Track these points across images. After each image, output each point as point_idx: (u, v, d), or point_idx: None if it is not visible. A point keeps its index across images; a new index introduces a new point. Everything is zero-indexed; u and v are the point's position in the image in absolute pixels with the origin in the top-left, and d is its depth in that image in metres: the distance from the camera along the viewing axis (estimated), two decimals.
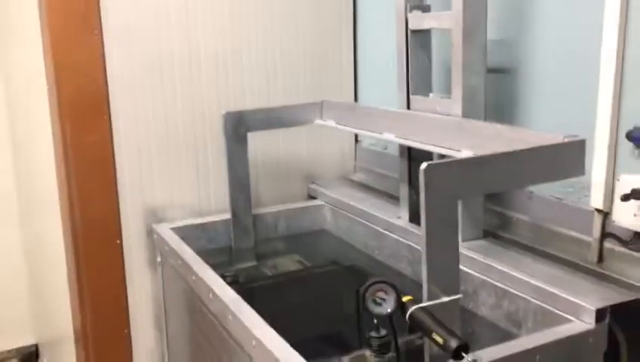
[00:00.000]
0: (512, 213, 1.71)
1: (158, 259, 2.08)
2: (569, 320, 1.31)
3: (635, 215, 1.35)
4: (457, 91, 1.62)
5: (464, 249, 1.63)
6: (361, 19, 2.40)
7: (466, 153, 1.49)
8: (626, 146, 1.42)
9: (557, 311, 1.35)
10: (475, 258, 1.58)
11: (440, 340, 1.03)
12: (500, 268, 1.52)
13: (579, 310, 1.30)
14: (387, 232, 1.97)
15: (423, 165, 1.09)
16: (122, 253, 2.08)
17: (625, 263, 1.44)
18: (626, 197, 1.32)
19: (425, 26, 1.75)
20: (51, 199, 2.16)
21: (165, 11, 2.02)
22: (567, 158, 1.26)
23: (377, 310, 1.16)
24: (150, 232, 2.10)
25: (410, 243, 1.85)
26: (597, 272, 1.47)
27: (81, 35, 1.86)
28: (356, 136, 2.52)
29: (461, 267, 1.22)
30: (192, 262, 1.74)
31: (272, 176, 2.32)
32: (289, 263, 2.17)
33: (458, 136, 1.55)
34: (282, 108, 2.11)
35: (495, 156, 1.18)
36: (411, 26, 1.77)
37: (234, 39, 2.16)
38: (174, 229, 2.05)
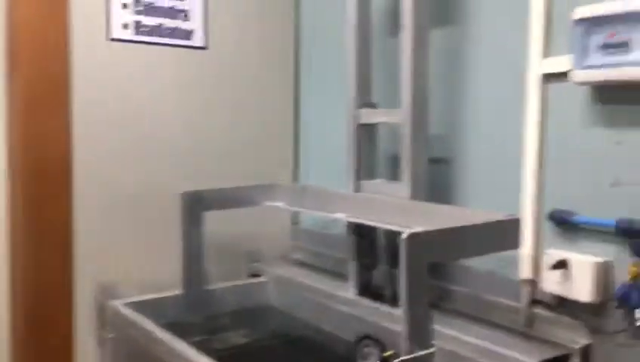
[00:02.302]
0: (451, 285, 1.93)
1: (110, 335, 2.09)
2: None
3: (559, 282, 1.62)
4: (406, 176, 1.86)
5: None
6: (304, 111, 2.65)
7: (401, 229, 1.72)
8: (548, 225, 1.70)
9: None
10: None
11: None
12: (448, 332, 1.71)
13: None
14: (335, 305, 2.12)
15: (404, 234, 1.29)
16: (72, 328, 2.07)
17: (552, 325, 1.69)
18: (554, 267, 1.59)
19: (374, 120, 2.01)
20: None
21: (127, 95, 2.15)
22: (507, 233, 1.52)
23: None
24: (101, 308, 2.12)
25: (358, 315, 2.01)
26: (528, 334, 1.71)
27: (51, 109, 1.95)
28: (294, 216, 2.70)
29: None
30: (161, 334, 1.80)
31: (214, 255, 2.42)
32: (239, 338, 2.24)
33: (408, 215, 1.78)
34: (236, 190, 2.26)
35: (462, 228, 1.41)
36: (361, 120, 2.03)
37: (186, 122, 2.32)
38: (128, 305, 2.09)
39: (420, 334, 1.30)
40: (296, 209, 2.20)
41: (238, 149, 2.46)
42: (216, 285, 2.34)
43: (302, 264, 2.57)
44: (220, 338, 2.20)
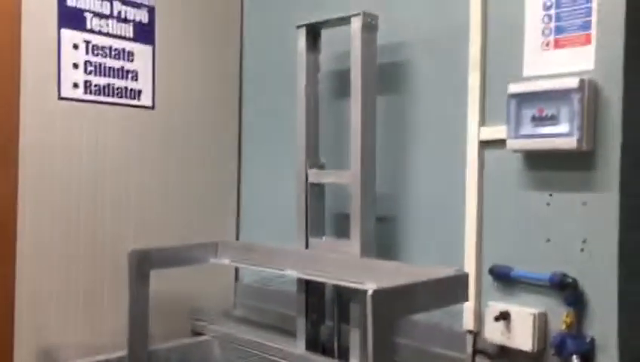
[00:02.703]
0: (399, 339, 2.02)
1: None
2: None
3: (501, 333, 1.75)
4: (355, 234, 1.96)
5: None
6: (247, 171, 2.71)
7: (370, 285, 1.80)
8: (488, 279, 1.84)
9: None
10: None
11: None
12: None
13: None
14: (284, 361, 2.15)
15: (370, 291, 1.37)
16: None
17: None
18: (497, 319, 1.72)
19: (323, 180, 2.11)
20: None
21: (77, 154, 2.14)
22: (458, 287, 1.64)
23: None
24: None
25: None
26: None
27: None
28: (236, 273, 2.72)
29: None
30: None
31: (157, 313, 2.40)
32: None
33: (360, 272, 1.87)
34: (183, 248, 2.27)
35: (421, 283, 1.51)
36: (310, 180, 2.12)
37: (133, 180, 2.32)
38: None
39: None
40: (244, 265, 2.23)
41: (182, 207, 2.48)
42: (160, 345, 2.31)
43: (244, 320, 2.58)
44: None
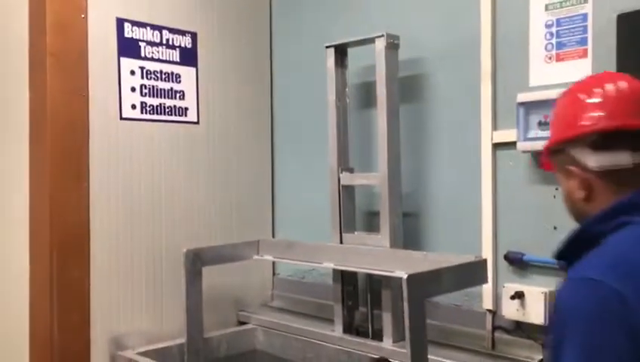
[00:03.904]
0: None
1: None
2: None
3: (517, 310, 2.01)
4: (385, 229, 2.23)
5: (397, 347, 2.16)
6: (280, 175, 2.98)
7: (400, 273, 2.07)
8: (504, 264, 2.10)
9: None
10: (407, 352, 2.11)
11: None
12: (430, 357, 2.05)
13: None
14: (324, 343, 2.42)
15: (405, 276, 1.64)
16: None
17: (511, 346, 2.07)
18: (512, 298, 1.98)
19: (354, 183, 2.38)
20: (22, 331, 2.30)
21: (136, 166, 2.43)
22: (477, 271, 1.90)
23: None
24: (114, 359, 2.33)
25: (348, 349, 2.32)
26: (493, 355, 2.09)
27: (73, 185, 2.20)
28: (273, 268, 3.00)
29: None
30: None
31: (205, 305, 2.68)
32: None
33: (390, 261, 2.14)
34: (230, 246, 2.55)
35: (447, 268, 1.77)
36: (342, 183, 2.39)
37: (181, 188, 2.60)
38: (139, 354, 2.31)
39: (419, 356, 1.64)
40: (286, 261, 2.51)
41: (225, 210, 2.75)
42: (212, 333, 2.59)
43: (282, 310, 2.86)
44: None
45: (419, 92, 2.36)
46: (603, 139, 1.08)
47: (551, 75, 1.97)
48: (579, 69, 1.91)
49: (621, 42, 1.84)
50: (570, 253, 1.13)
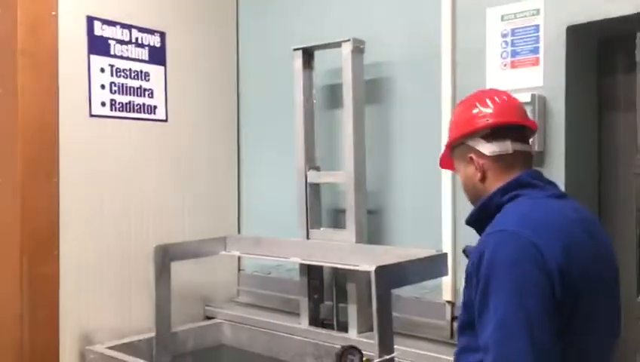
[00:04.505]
0: None
1: None
2: None
3: None
4: (350, 225, 2.33)
5: (362, 338, 2.27)
6: (246, 174, 3.05)
7: (364, 266, 2.18)
8: (462, 258, 2.23)
9: None
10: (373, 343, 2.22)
11: None
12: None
13: None
14: (291, 336, 2.50)
15: (373, 268, 1.74)
16: None
17: None
18: None
19: (321, 181, 2.47)
20: None
21: (106, 163, 2.46)
22: (439, 264, 2.02)
23: None
24: (82, 354, 2.36)
25: (315, 341, 2.41)
26: (452, 343, 2.20)
27: (43, 182, 2.22)
28: (239, 265, 3.06)
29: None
30: None
31: (173, 300, 2.72)
32: None
33: (356, 256, 2.24)
34: (197, 242, 2.60)
35: (412, 261, 1.89)
36: (309, 181, 2.48)
37: (149, 185, 2.64)
38: (109, 348, 2.35)
39: (386, 343, 1.75)
40: (253, 256, 2.58)
41: (191, 207, 2.80)
42: (179, 327, 2.64)
43: (248, 305, 2.92)
44: None
45: (383, 94, 2.46)
46: (492, 133, 1.43)
47: (506, 80, 2.10)
48: (531, 76, 2.05)
49: (570, 52, 2.00)
50: (477, 220, 1.47)
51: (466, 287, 1.37)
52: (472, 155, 1.45)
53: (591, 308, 1.25)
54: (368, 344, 2.19)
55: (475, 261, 1.28)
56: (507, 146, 1.42)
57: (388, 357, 1.75)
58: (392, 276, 1.81)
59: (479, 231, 1.44)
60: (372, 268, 1.75)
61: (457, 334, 1.49)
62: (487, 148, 1.43)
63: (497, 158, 1.42)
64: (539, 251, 1.21)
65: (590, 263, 1.27)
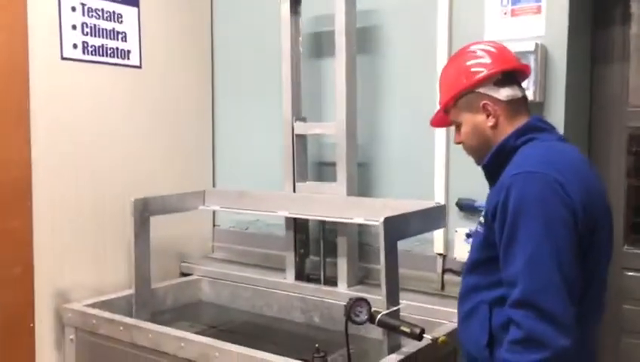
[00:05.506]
0: (376, 266, 2.36)
1: (71, 337, 2.20)
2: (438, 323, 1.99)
3: (468, 251, 2.12)
4: (342, 177, 2.26)
5: (352, 291, 2.23)
6: (220, 125, 2.92)
7: (357, 220, 2.13)
8: (455, 210, 2.21)
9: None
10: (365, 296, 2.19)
11: (407, 330, 1.61)
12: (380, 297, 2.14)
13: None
14: (276, 291, 2.45)
15: (381, 219, 1.69)
16: (34, 336, 2.16)
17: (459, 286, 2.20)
18: (468, 236, 2.09)
19: (310, 132, 2.39)
20: None
21: (79, 110, 2.29)
22: (438, 216, 2.00)
23: (358, 320, 1.68)
24: (58, 312, 2.23)
25: (302, 295, 2.36)
26: (443, 295, 2.21)
27: (13, 129, 2.04)
28: (213, 220, 2.96)
29: None
30: (145, 324, 2.01)
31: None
32: (189, 329, 2.45)
33: (348, 209, 2.18)
34: (178, 196, 2.48)
35: (415, 213, 1.85)
36: (296, 132, 2.39)
37: (123, 134, 2.49)
38: (87, 306, 2.23)
39: (393, 294, 1.71)
40: (237, 210, 2.48)
41: (165, 158, 2.65)
42: (158, 284, 2.54)
43: (225, 261, 2.84)
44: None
45: (375, 44, 2.38)
46: (503, 78, 1.44)
47: (506, 29, 2.06)
48: (533, 25, 2.01)
49: (573, 1, 1.96)
50: (492, 164, 1.47)
51: (482, 224, 1.45)
52: (487, 102, 1.45)
53: (600, 239, 1.34)
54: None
55: (502, 198, 1.32)
56: (516, 91, 1.46)
57: (395, 308, 1.71)
58: (399, 228, 1.77)
59: (491, 174, 1.50)
60: (380, 221, 1.70)
61: (463, 275, 1.54)
62: (502, 94, 1.44)
63: (509, 103, 1.45)
64: (564, 190, 1.28)
65: (600, 199, 1.37)
